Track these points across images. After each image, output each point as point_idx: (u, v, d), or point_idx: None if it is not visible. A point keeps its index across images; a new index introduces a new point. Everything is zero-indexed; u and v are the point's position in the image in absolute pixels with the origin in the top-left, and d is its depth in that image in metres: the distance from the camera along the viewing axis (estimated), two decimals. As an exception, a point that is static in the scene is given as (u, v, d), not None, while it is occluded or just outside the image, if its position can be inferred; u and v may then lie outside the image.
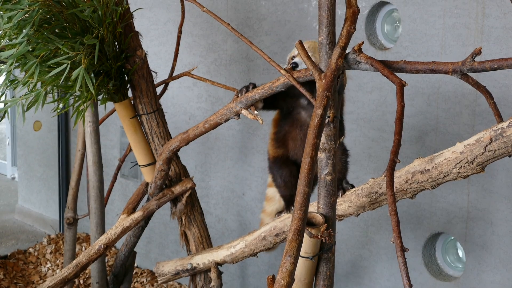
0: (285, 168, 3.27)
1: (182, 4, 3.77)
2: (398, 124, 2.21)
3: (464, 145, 2.46)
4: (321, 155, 2.52)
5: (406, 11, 3.97)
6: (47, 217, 6.91)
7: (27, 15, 2.85)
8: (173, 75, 3.90)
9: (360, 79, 4.18)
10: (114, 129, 5.93)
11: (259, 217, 4.88)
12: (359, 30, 4.11)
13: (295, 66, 2.87)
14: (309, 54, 2.61)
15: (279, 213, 3.34)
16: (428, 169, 2.57)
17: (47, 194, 6.93)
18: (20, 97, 3.04)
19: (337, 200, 2.79)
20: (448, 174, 2.52)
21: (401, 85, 2.29)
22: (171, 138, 3.56)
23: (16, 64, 2.97)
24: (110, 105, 3.63)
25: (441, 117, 3.88)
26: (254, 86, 2.96)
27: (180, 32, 3.84)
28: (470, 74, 2.41)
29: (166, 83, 3.89)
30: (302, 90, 2.63)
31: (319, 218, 2.50)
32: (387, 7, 4.15)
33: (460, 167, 2.48)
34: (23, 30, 2.88)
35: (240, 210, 5.07)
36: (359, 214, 2.93)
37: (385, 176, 2.19)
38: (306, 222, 2.18)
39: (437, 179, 2.56)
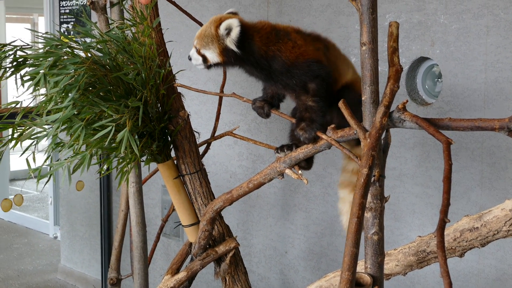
0: None
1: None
2: (447, 183, 2.18)
3: (513, 202, 2.43)
4: (367, 214, 2.50)
5: (446, 66, 3.96)
6: (90, 276, 6.92)
7: (73, 79, 2.89)
8: (215, 134, 3.91)
9: (402, 134, 4.16)
10: (155, 188, 5.96)
11: (302, 275, 4.84)
12: (400, 86, 4.10)
13: (189, 58, 2.98)
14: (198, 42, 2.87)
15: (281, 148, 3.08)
16: (477, 227, 2.53)
17: (89, 253, 6.95)
18: (66, 159, 3.07)
19: (384, 259, 2.75)
20: (498, 232, 2.48)
21: (447, 143, 2.27)
22: (214, 197, 3.56)
23: (62, 128, 3.01)
24: (153, 164, 3.65)
25: (486, 172, 3.84)
26: (296, 146, 2.95)
27: (222, 92, 3.87)
28: (517, 130, 2.39)
29: (208, 143, 3.91)
30: (345, 151, 2.63)
31: (367, 279, 2.46)
32: (428, 62, 4.15)
33: (510, 225, 2.44)
34: (69, 94, 2.92)
35: (283, 268, 5.03)
36: (406, 273, 2.89)
37: (434, 235, 2.16)
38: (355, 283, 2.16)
39: (487, 237, 2.52)
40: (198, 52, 2.93)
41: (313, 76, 2.83)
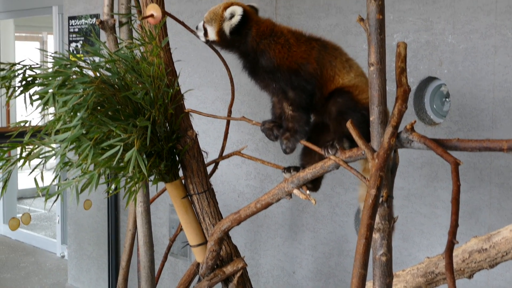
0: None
1: (232, 85, 3.81)
2: (455, 204, 2.17)
3: (522, 223, 2.41)
4: (376, 235, 2.49)
5: (454, 86, 3.96)
6: (97, 296, 6.92)
7: (81, 99, 2.90)
8: (223, 154, 3.91)
9: (410, 154, 4.15)
10: (163, 207, 5.96)
11: None
12: (408, 105, 4.10)
13: (196, 28, 3.14)
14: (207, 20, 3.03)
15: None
16: (486, 248, 2.52)
17: (96, 273, 6.94)
18: (74, 179, 3.07)
19: (393, 281, 2.74)
20: (507, 254, 2.47)
21: (456, 164, 2.27)
22: (221, 217, 3.55)
23: (70, 147, 3.01)
24: (160, 184, 3.65)
25: (495, 192, 3.82)
26: (304, 167, 2.96)
27: (230, 112, 3.87)
28: (526, 151, 2.38)
29: (216, 162, 3.91)
30: (353, 171, 2.62)
31: (375, 300, 2.45)
32: (436, 82, 4.15)
33: (519, 246, 2.42)
34: (78, 114, 2.93)
35: (291, 288, 5.01)
36: (415, 294, 2.87)
37: (442, 257, 2.15)
38: (363, 304, 2.14)
39: (495, 258, 2.51)
40: (203, 24, 3.08)
41: (292, 86, 2.91)
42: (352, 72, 2.97)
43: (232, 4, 3.03)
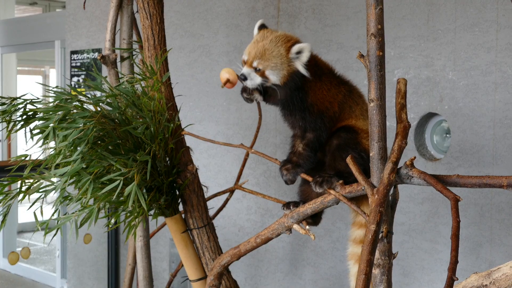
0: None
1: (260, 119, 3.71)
2: (455, 240, 2.17)
3: (523, 260, 2.40)
4: (375, 271, 2.48)
5: (455, 122, 3.97)
6: (96, 330, 6.87)
7: (81, 133, 2.91)
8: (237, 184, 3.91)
9: (410, 189, 4.15)
10: (163, 241, 5.94)
11: (310, 331, 4.78)
12: (408, 141, 4.10)
13: (243, 78, 2.82)
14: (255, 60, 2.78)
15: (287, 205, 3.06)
16: (486, 285, 2.50)
17: (96, 307, 6.90)
18: (73, 213, 3.07)
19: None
20: (507, 290, 2.45)
21: (455, 200, 2.27)
22: (221, 252, 3.54)
23: (70, 181, 3.01)
24: (160, 218, 3.65)
25: (495, 228, 3.81)
26: (304, 203, 2.96)
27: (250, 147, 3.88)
28: (526, 187, 2.38)
29: (227, 200, 3.89)
30: (353, 207, 2.62)
31: (375, 337, 2.44)
32: (436, 118, 4.16)
33: (519, 283, 2.41)
34: (78, 148, 2.94)
35: (291, 324, 4.98)
36: (415, 331, 2.85)
37: (442, 293, 2.14)
38: None
39: (496, 295, 2.49)
40: (262, 73, 2.81)
41: (315, 128, 2.86)
42: (367, 119, 2.90)
43: (290, 41, 2.83)
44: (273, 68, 2.79)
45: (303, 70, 2.78)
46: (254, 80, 2.82)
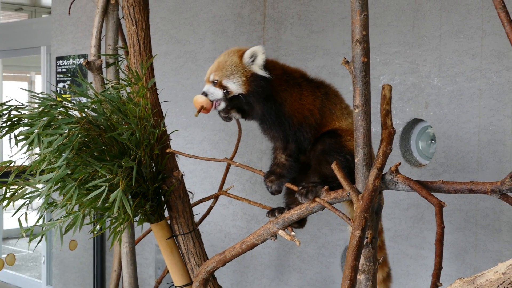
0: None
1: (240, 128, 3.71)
2: (439, 246, 2.18)
3: (507, 265, 2.40)
4: (360, 277, 2.49)
5: (440, 128, 3.98)
6: (81, 337, 6.83)
7: (66, 139, 2.89)
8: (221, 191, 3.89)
9: (396, 195, 4.16)
10: (149, 247, 5.92)
11: (296, 337, 4.78)
12: (394, 147, 4.12)
13: (205, 95, 2.84)
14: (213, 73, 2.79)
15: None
16: (471, 291, 2.51)
17: (81, 314, 6.87)
18: (58, 219, 3.06)
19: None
20: (491, 296, 2.45)
21: (440, 206, 2.27)
22: (207, 258, 3.53)
23: (55, 187, 3.00)
24: (146, 225, 3.63)
25: (480, 234, 3.82)
26: (288, 206, 2.96)
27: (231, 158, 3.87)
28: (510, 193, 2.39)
29: (210, 207, 3.88)
30: (338, 213, 2.62)
31: None
32: (421, 124, 4.17)
33: (503, 289, 2.41)
34: (63, 154, 2.93)
35: (277, 330, 4.97)
36: (400, 337, 2.86)
37: (427, 299, 2.14)
38: None
39: (480, 301, 2.49)
40: (219, 84, 2.82)
41: (296, 140, 2.87)
42: (350, 118, 2.89)
43: (240, 50, 2.86)
44: (229, 77, 2.82)
45: (260, 72, 2.81)
46: (215, 94, 2.84)
